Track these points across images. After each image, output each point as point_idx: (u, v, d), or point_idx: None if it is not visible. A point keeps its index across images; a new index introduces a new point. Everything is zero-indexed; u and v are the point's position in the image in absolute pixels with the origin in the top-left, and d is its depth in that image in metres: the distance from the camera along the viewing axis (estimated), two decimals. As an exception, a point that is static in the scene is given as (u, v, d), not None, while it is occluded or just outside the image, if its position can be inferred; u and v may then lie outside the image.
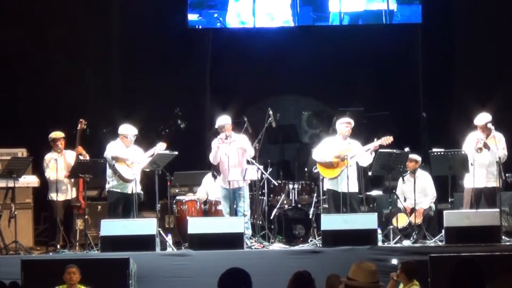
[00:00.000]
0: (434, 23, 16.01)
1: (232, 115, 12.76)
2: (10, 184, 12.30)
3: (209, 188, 13.17)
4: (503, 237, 11.59)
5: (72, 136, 12.64)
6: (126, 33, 16.21)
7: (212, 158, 12.30)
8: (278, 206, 12.90)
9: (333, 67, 15.82)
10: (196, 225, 11.60)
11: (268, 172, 12.81)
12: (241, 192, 12.12)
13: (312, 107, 16.35)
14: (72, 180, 12.46)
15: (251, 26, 16.31)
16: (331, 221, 11.56)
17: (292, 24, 16.24)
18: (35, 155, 12.92)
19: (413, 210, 12.32)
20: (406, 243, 11.81)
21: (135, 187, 12.02)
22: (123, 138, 12.31)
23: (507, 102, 14.50)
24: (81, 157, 12.39)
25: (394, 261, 10.32)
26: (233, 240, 11.31)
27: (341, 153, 11.98)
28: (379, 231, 11.55)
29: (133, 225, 11.58)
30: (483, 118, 11.98)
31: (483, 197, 11.97)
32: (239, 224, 11.53)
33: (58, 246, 12.29)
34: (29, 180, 13.23)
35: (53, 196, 12.33)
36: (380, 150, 12.03)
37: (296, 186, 13.11)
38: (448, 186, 11.90)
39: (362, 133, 13.06)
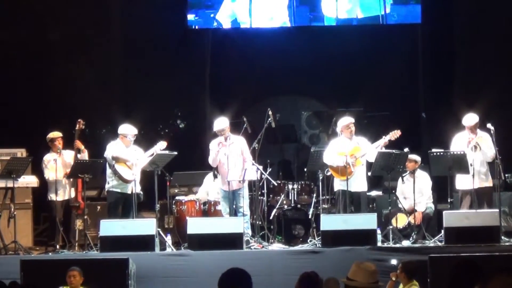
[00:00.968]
0: (433, 23, 16.01)
1: (231, 115, 12.76)
2: (10, 184, 12.31)
3: (209, 188, 13.17)
4: (502, 237, 11.59)
5: (71, 136, 12.63)
6: (125, 33, 16.20)
7: (211, 160, 12.29)
8: (277, 206, 12.90)
9: (332, 67, 15.81)
10: (196, 225, 11.60)
11: (267, 172, 12.81)
12: (241, 192, 12.12)
13: (312, 107, 16.35)
14: (71, 180, 12.46)
15: (247, 26, 16.31)
16: (330, 221, 11.56)
17: (289, 25, 16.25)
18: (35, 155, 12.91)
19: (413, 210, 12.34)
20: (406, 243, 11.81)
21: (134, 188, 12.02)
22: (123, 138, 12.31)
23: (505, 101, 14.52)
24: (79, 156, 12.39)
25: (394, 261, 10.32)
26: (232, 240, 11.31)
27: (351, 154, 11.98)
28: (379, 231, 11.55)
29: (132, 225, 11.58)
30: (471, 118, 12.00)
31: (479, 197, 11.95)
32: (239, 224, 11.53)
33: (58, 246, 12.29)
34: (29, 180, 13.23)
35: (52, 196, 12.35)
36: (379, 150, 12.04)
37: (295, 186, 13.11)
38: (447, 186, 11.90)
39: (362, 134, 13.04)
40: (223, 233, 11.38)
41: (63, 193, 12.43)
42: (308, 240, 12.31)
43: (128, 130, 12.34)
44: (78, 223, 12.52)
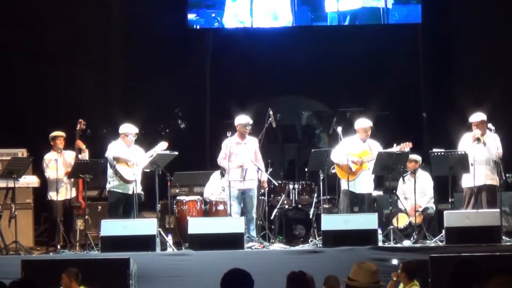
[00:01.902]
0: (434, 23, 16.02)
1: (232, 115, 12.75)
2: (10, 184, 12.30)
3: (215, 186, 13.16)
4: (503, 237, 11.58)
5: (72, 136, 12.63)
6: (126, 33, 16.21)
7: (221, 161, 12.27)
8: (278, 206, 12.89)
9: (333, 67, 15.82)
10: (197, 225, 11.60)
11: (268, 172, 12.80)
12: (252, 194, 12.14)
13: (312, 107, 16.36)
14: (72, 180, 12.46)
15: (249, 26, 16.31)
16: (331, 221, 11.56)
17: (290, 24, 16.24)
18: (35, 155, 12.91)
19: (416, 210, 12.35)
20: (407, 243, 11.81)
21: (135, 188, 12.02)
22: (124, 138, 12.31)
23: (506, 100, 14.51)
24: (79, 156, 12.40)
25: (395, 261, 10.32)
26: (233, 240, 11.30)
27: (357, 156, 11.98)
28: (380, 231, 11.54)
29: (133, 225, 11.58)
30: (477, 115, 12.02)
31: (483, 195, 11.95)
32: (239, 224, 11.52)
33: (58, 246, 12.29)
34: (29, 180, 13.23)
35: (52, 195, 12.35)
36: (380, 150, 12.04)
37: (296, 186, 13.10)
38: (448, 186, 11.90)
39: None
40: (224, 233, 11.37)
41: (64, 193, 12.44)
42: (309, 240, 12.30)
43: (129, 129, 12.34)
44: (79, 223, 12.52)
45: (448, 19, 16.24)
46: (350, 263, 6.14)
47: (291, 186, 13.08)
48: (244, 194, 12.21)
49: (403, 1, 16.08)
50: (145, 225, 11.58)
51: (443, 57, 16.11)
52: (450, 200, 12.04)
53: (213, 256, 10.93)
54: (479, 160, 11.81)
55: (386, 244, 11.55)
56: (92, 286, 9.56)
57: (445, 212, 11.72)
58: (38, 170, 12.94)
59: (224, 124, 14.29)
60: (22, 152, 13.46)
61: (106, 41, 16.22)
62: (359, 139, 12.24)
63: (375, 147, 12.21)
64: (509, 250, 10.87)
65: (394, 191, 12.66)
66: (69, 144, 12.65)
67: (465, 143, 12.02)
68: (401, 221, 12.44)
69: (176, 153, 12.22)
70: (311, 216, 12.72)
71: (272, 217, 12.88)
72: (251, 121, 12.35)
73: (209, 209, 12.85)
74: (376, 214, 11.83)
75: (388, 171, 12.01)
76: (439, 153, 11.99)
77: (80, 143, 12.49)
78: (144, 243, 11.31)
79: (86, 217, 12.21)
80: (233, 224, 11.60)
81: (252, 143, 12.39)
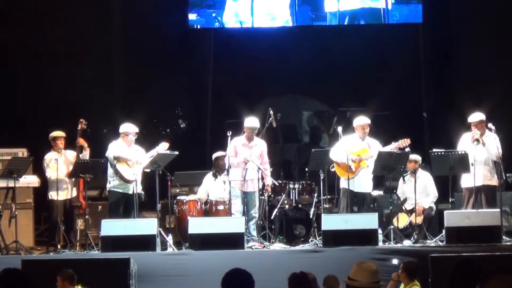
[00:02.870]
0: (435, 23, 16.01)
1: (233, 115, 12.75)
2: (11, 184, 12.31)
3: (210, 188, 13.18)
4: (503, 237, 11.58)
5: (73, 136, 12.64)
6: (127, 32, 16.21)
7: (230, 158, 12.27)
8: (278, 206, 12.89)
9: (334, 67, 15.82)
10: (197, 225, 11.60)
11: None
12: (254, 196, 12.14)
13: (313, 107, 16.36)
14: (73, 179, 12.46)
15: (249, 26, 16.32)
16: (331, 221, 11.56)
17: (291, 24, 16.25)
18: (36, 155, 12.92)
19: (412, 210, 12.35)
20: (407, 243, 11.82)
21: (136, 187, 12.02)
22: (124, 137, 12.32)
23: (506, 100, 14.52)
24: (81, 155, 12.40)
25: (395, 261, 10.32)
26: (233, 240, 11.30)
27: (356, 154, 11.98)
28: (380, 231, 11.55)
29: (133, 225, 11.58)
30: (476, 115, 12.03)
31: (483, 195, 11.96)
32: (240, 224, 11.52)
33: (59, 246, 12.30)
34: (30, 180, 13.23)
35: (52, 195, 12.35)
36: (380, 150, 12.05)
37: (296, 186, 13.10)
38: (448, 186, 11.90)
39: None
40: (224, 233, 11.37)
41: (65, 192, 12.44)
42: (310, 240, 12.30)
43: (129, 128, 12.35)
44: (79, 223, 12.52)
45: (449, 19, 16.24)
46: (350, 263, 6.14)
47: (291, 186, 13.08)
48: (245, 195, 12.21)
49: (404, 0, 16.08)
50: (145, 225, 11.58)
51: (444, 57, 16.11)
52: (450, 200, 12.05)
53: (213, 256, 10.94)
54: (478, 160, 11.82)
55: (387, 244, 11.56)
56: (92, 286, 9.56)
57: (445, 212, 11.73)
58: (39, 170, 12.95)
59: (225, 123, 14.31)
60: (22, 152, 13.47)
61: (107, 41, 16.22)
62: (358, 137, 12.25)
63: (374, 145, 12.22)
64: (509, 250, 10.88)
65: (394, 191, 12.66)
66: (70, 144, 12.65)
67: (465, 143, 12.02)
68: (402, 221, 12.44)
69: (177, 153, 12.23)
70: (311, 216, 12.72)
71: (272, 217, 12.88)
72: (258, 126, 12.32)
73: (209, 209, 12.85)
74: (376, 214, 11.83)
75: (388, 171, 12.01)
76: (439, 153, 11.99)
77: (82, 141, 12.50)
78: (144, 243, 11.31)
79: (87, 217, 12.21)
80: (233, 224, 11.60)
81: (260, 146, 12.38)
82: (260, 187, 12.29)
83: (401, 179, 12.70)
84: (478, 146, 11.81)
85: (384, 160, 11.92)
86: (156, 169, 12.06)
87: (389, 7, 15.99)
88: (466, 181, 12.01)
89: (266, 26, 16.34)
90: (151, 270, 10.91)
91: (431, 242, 11.77)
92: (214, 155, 13.21)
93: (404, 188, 12.84)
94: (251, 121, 12.36)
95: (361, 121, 12.31)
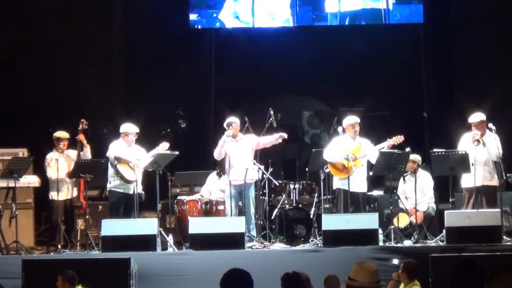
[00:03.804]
0: (435, 23, 16.01)
1: (233, 115, 12.75)
2: (11, 184, 12.31)
3: (213, 187, 13.18)
4: (504, 237, 11.58)
5: (74, 135, 12.63)
6: (127, 32, 16.22)
7: (216, 153, 12.31)
8: (279, 206, 12.89)
9: (334, 67, 15.83)
10: (197, 225, 11.60)
11: (269, 172, 12.80)
12: (250, 194, 12.13)
13: (313, 107, 16.36)
14: (74, 179, 12.46)
15: (250, 26, 16.33)
16: (332, 221, 11.56)
17: (291, 24, 16.25)
18: (36, 155, 12.92)
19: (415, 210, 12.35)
20: (407, 243, 11.81)
21: (136, 188, 12.02)
22: (124, 137, 12.32)
23: (507, 100, 14.52)
24: (81, 153, 12.41)
25: (395, 261, 10.31)
26: (234, 240, 11.31)
27: (351, 153, 11.98)
28: (380, 231, 11.55)
29: (134, 225, 11.58)
30: (476, 115, 12.02)
31: (483, 196, 11.95)
32: (240, 224, 11.52)
33: (59, 246, 12.30)
34: (30, 180, 13.24)
35: (53, 195, 12.36)
36: (381, 150, 12.05)
37: (297, 186, 13.10)
38: (449, 186, 11.90)
39: (363, 133, 13.04)
40: (225, 233, 11.38)
41: (65, 192, 12.45)
42: (310, 240, 12.31)
43: (129, 128, 12.35)
44: (80, 223, 12.52)
45: (450, 19, 16.23)
46: (350, 263, 6.14)
47: (291, 186, 13.08)
48: (242, 193, 12.18)
49: (405, 1, 16.07)
50: (145, 225, 11.58)
51: (445, 57, 16.10)
52: (450, 200, 12.04)
53: (213, 255, 10.94)
54: (478, 161, 11.82)
55: (387, 244, 11.55)
56: (92, 286, 9.57)
57: (445, 212, 11.72)
58: (39, 169, 12.95)
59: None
60: (22, 152, 13.48)
61: (108, 41, 16.23)
62: (349, 137, 12.25)
63: (366, 144, 12.22)
64: (509, 250, 10.87)
65: (395, 191, 12.66)
66: (71, 144, 12.65)
67: (465, 144, 12.02)
68: (402, 221, 12.44)
69: (177, 153, 12.22)
70: (311, 216, 12.72)
71: (272, 217, 12.89)
72: (232, 120, 12.32)
73: (209, 209, 12.86)
74: (377, 214, 11.83)
75: (388, 171, 12.01)
76: (439, 153, 11.99)
77: (82, 137, 12.50)
78: (144, 243, 11.31)
79: (87, 216, 12.21)
80: (233, 224, 11.60)
81: (247, 141, 12.35)
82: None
83: (402, 179, 12.69)
84: (479, 147, 11.81)
85: (385, 160, 11.92)
86: (156, 169, 12.06)
87: (390, 7, 15.99)
88: (466, 181, 12.01)
89: (267, 26, 16.34)
90: (152, 270, 10.91)
91: (431, 242, 11.76)
92: None
93: (405, 188, 12.83)
94: (229, 118, 12.39)
95: (351, 120, 12.31)
